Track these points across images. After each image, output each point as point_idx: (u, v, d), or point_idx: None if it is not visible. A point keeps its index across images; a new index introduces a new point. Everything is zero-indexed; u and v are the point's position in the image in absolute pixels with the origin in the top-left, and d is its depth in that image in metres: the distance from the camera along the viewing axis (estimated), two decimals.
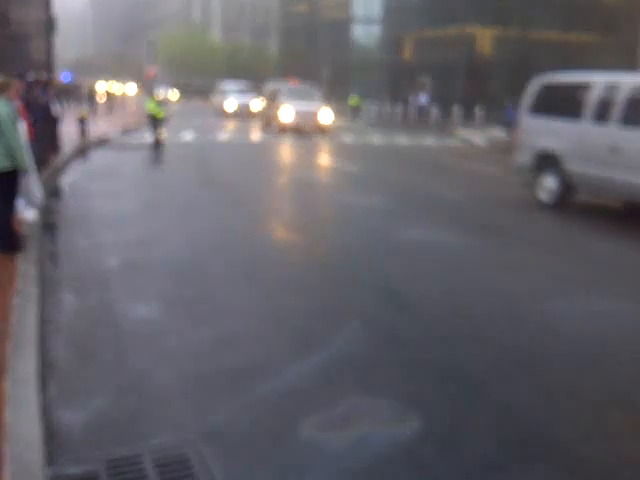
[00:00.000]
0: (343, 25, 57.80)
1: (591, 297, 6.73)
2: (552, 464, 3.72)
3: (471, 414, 4.24)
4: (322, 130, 26.87)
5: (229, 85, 43.35)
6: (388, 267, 7.65)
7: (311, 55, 61.64)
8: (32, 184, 7.44)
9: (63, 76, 42.71)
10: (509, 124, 27.38)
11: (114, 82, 56.65)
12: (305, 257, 8.06)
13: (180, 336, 5.32)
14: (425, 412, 4.20)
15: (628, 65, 38.88)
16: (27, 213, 7.61)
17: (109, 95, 42.45)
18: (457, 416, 4.20)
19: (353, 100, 40.56)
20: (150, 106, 19.11)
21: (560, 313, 6.18)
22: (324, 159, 18.31)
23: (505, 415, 4.23)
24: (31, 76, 14.11)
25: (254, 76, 72.97)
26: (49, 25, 19.13)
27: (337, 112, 42.70)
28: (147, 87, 29.58)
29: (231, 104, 39.04)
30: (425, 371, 4.83)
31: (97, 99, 39.17)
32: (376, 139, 26.28)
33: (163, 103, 19.68)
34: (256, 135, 26.70)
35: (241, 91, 41.62)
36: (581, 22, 43.41)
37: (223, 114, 38.51)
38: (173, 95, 56.86)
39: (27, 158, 7.03)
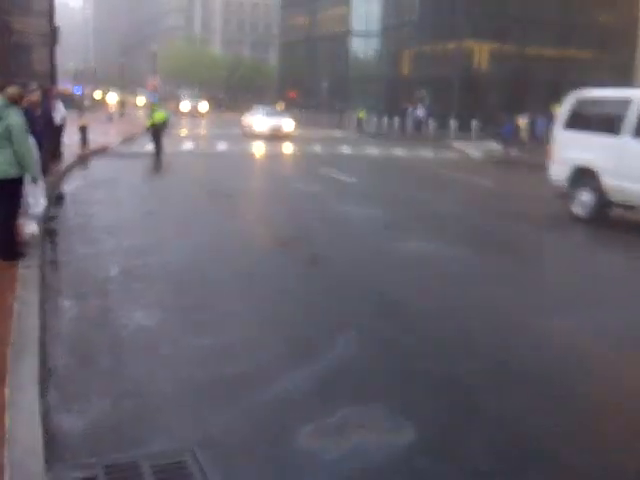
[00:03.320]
0: (342, 39, 58.10)
1: (595, 313, 6.74)
2: (545, 474, 3.73)
3: (466, 424, 4.24)
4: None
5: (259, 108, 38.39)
6: (387, 279, 7.66)
7: (310, 68, 61.91)
8: (37, 193, 7.46)
9: (75, 89, 43.43)
10: (506, 138, 27.55)
11: (118, 93, 56.59)
12: (303, 267, 8.07)
13: (178, 344, 5.32)
14: (420, 422, 4.20)
15: (624, 82, 39.22)
16: (29, 224, 7.60)
17: (121, 104, 43.96)
18: (452, 426, 4.20)
19: (361, 113, 41.12)
20: (159, 115, 19.16)
21: (559, 327, 6.19)
22: (322, 169, 18.33)
23: (499, 426, 4.24)
24: (33, 85, 14.13)
25: (254, 89, 73.34)
26: (52, 36, 19.24)
27: (337, 125, 43.02)
28: (155, 97, 30.01)
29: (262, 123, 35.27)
30: (421, 382, 4.84)
31: (110, 109, 39.61)
32: (374, 150, 26.37)
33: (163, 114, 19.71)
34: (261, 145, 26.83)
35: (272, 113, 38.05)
36: (577, 39, 43.72)
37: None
38: (202, 107, 55.01)
39: (36, 167, 7.09)
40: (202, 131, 36.70)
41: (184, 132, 33.42)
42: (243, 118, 34.15)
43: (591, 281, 8.00)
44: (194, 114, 52.37)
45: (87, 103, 40.98)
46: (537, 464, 3.82)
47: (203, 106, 54.85)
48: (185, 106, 54.34)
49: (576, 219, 11.68)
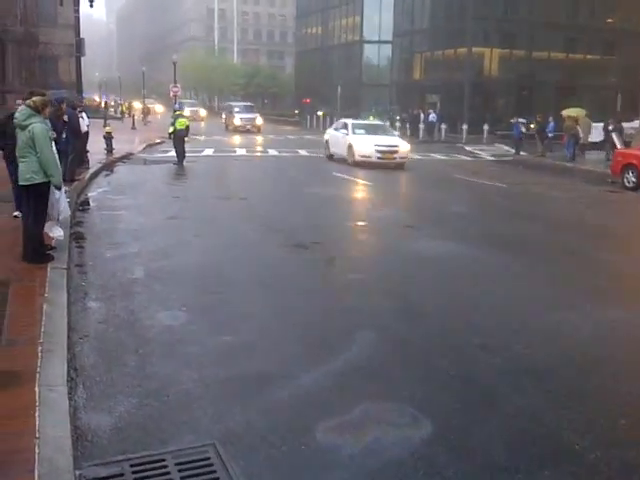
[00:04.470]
0: (355, 46, 58.07)
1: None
2: (560, 469, 3.67)
3: (482, 420, 4.19)
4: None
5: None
6: (407, 278, 7.61)
7: (325, 75, 61.92)
8: (62, 199, 7.50)
9: (104, 97, 44.75)
10: (517, 140, 27.34)
11: (141, 101, 56.98)
12: (322, 267, 8.04)
13: (201, 343, 5.32)
14: (438, 418, 4.16)
15: (630, 84, 38.79)
16: (55, 230, 7.64)
17: (145, 111, 45.76)
18: (468, 421, 4.15)
19: (371, 119, 40.71)
20: (181, 123, 19.21)
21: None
22: (336, 173, 18.29)
23: (515, 421, 4.18)
24: (59, 95, 14.26)
25: (270, 96, 73.53)
26: (77, 47, 19.39)
27: None
28: (177, 105, 29.01)
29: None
30: (439, 379, 4.79)
31: (134, 115, 40.31)
32: None
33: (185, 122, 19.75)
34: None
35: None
36: (586, 42, 43.32)
37: None
38: (258, 120, 41.21)
39: (60, 174, 7.12)
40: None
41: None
42: (329, 138, 23.06)
43: None
44: (250, 129, 40.04)
45: (112, 112, 41.33)
46: (553, 458, 3.76)
47: (258, 120, 41.23)
48: (237, 121, 40.54)
49: None
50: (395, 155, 20.29)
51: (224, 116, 45.23)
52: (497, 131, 34.94)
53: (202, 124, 47.96)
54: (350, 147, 20.73)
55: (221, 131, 39.92)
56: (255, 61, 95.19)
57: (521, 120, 27.58)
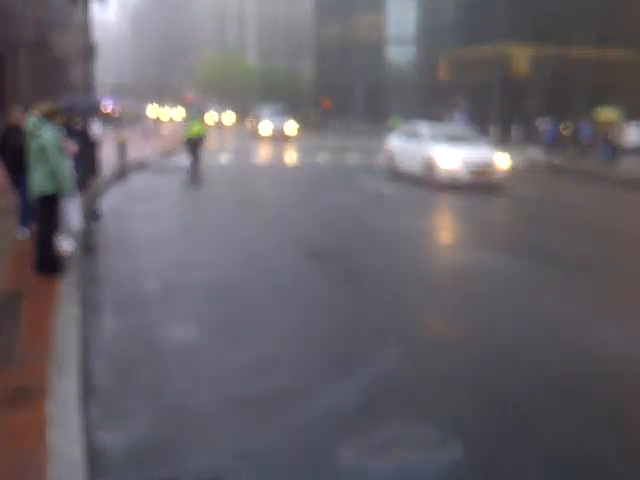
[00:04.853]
0: (377, 45, 58.16)
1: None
2: None
3: (515, 440, 4.18)
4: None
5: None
6: (427, 290, 7.61)
7: (345, 76, 62.08)
8: (74, 209, 7.62)
9: (112, 102, 45.54)
10: (549, 144, 26.89)
11: (156, 106, 57.65)
12: (340, 278, 8.06)
13: (217, 358, 5.37)
14: (468, 438, 4.16)
15: None
16: (65, 242, 7.77)
17: (157, 119, 45.71)
18: (501, 442, 4.15)
19: (394, 121, 40.68)
20: (196, 128, 19.36)
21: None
22: (361, 179, 18.25)
23: (550, 442, 4.17)
24: (69, 101, 14.51)
25: (289, 98, 73.81)
26: (90, 51, 19.71)
27: (373, 132, 42.97)
28: (193, 110, 28.32)
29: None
30: (467, 397, 4.79)
31: (148, 123, 40.91)
32: None
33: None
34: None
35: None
36: (620, 37, 42.89)
37: None
38: (288, 127, 37.84)
39: (72, 182, 7.23)
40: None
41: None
42: (394, 148, 19.36)
43: None
44: (278, 138, 36.68)
45: (124, 117, 41.85)
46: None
47: (290, 127, 37.65)
48: (267, 128, 37.05)
49: None
50: (489, 173, 16.37)
51: (251, 122, 42.83)
52: (528, 133, 34.73)
53: (228, 130, 48.16)
54: (429, 162, 16.68)
55: (247, 138, 37.99)
56: (273, 62, 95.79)
57: (547, 121, 27.16)
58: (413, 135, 18.43)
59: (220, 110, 59.99)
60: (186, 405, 4.52)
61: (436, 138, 17.53)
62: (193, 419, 4.33)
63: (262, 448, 4.00)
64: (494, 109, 40.19)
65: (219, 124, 55.44)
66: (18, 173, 8.35)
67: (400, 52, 56.86)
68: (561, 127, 27.59)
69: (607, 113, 26.27)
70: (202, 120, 21.34)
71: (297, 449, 4.00)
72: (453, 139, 17.60)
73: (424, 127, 18.63)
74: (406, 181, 17.62)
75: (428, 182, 16.57)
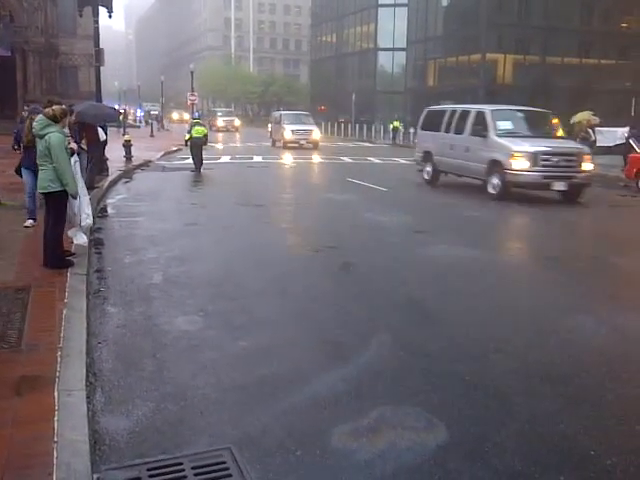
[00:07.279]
0: (369, 54, 58.17)
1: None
2: (576, 475, 3.61)
3: (497, 424, 4.13)
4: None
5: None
6: (422, 283, 7.56)
7: (340, 83, 62.07)
8: (84, 206, 7.53)
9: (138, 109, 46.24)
10: None
11: (160, 110, 57.44)
12: (336, 273, 8.01)
13: (218, 348, 5.31)
14: (453, 422, 4.11)
15: None
16: (78, 236, 7.69)
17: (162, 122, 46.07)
18: (485, 427, 4.10)
19: (396, 123, 40.70)
20: (198, 130, 19.31)
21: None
22: (353, 177, 18.26)
23: (530, 426, 4.12)
24: (92, 110, 14.43)
25: (285, 104, 73.81)
26: (97, 57, 19.55)
27: (364, 136, 42.95)
28: (195, 114, 28.08)
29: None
30: (453, 383, 4.74)
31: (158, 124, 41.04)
32: (400, 160, 26.20)
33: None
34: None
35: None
36: (599, 46, 42.99)
37: None
38: (316, 134, 33.14)
39: (75, 183, 7.14)
40: None
41: None
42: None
43: None
44: (304, 144, 32.60)
45: (130, 120, 41.75)
46: (569, 464, 3.69)
47: (316, 132, 33.63)
48: (292, 134, 32.65)
49: None
50: None
51: (270, 128, 37.15)
52: None
53: (237, 135, 46.75)
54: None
55: (264, 144, 35.03)
56: (271, 69, 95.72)
57: None
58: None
59: (228, 114, 58.33)
60: (187, 392, 4.45)
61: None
62: (194, 405, 4.27)
63: (260, 432, 3.94)
64: None
65: (229, 127, 52.40)
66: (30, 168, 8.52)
67: (391, 60, 56.89)
68: None
69: (582, 115, 26.31)
70: (203, 123, 21.32)
71: (293, 432, 3.95)
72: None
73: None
74: None
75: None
